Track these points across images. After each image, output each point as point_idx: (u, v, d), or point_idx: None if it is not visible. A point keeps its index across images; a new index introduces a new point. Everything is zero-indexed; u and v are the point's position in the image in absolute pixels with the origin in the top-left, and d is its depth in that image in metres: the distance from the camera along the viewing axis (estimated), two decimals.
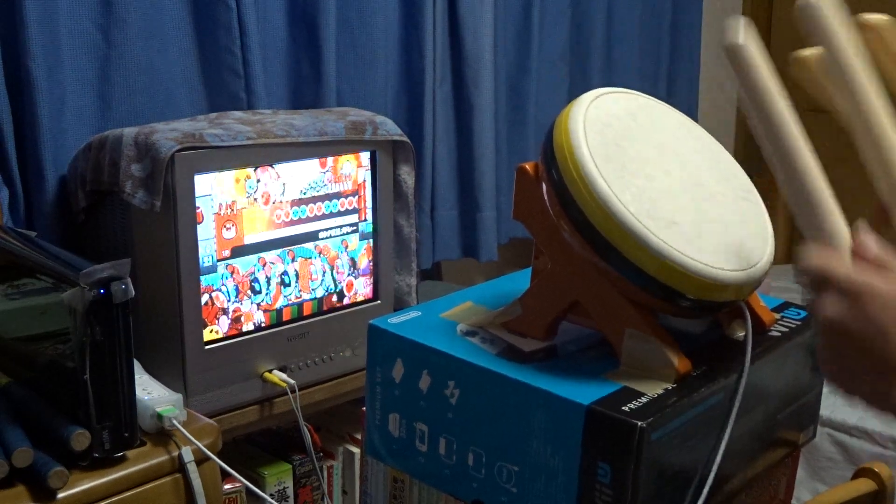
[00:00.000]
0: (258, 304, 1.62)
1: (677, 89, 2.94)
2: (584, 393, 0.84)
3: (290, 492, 1.74)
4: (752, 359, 0.89)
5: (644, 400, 0.83)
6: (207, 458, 1.31)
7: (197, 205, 1.50)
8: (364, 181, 1.74)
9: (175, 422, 1.30)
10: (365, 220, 1.75)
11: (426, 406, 0.93)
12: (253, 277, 1.60)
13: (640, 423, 0.79)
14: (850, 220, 0.74)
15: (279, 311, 1.65)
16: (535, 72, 2.42)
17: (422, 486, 0.97)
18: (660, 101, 1.00)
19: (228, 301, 1.58)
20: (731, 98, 3.50)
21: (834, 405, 2.24)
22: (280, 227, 1.62)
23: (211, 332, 1.56)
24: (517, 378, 0.87)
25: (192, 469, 1.28)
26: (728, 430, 0.87)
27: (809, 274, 0.71)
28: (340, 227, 1.72)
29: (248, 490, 1.52)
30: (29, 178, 1.61)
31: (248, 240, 1.58)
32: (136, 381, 1.25)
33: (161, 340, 1.53)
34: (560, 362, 0.91)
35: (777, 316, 1.01)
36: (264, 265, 1.61)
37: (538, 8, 2.39)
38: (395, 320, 0.98)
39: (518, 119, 2.44)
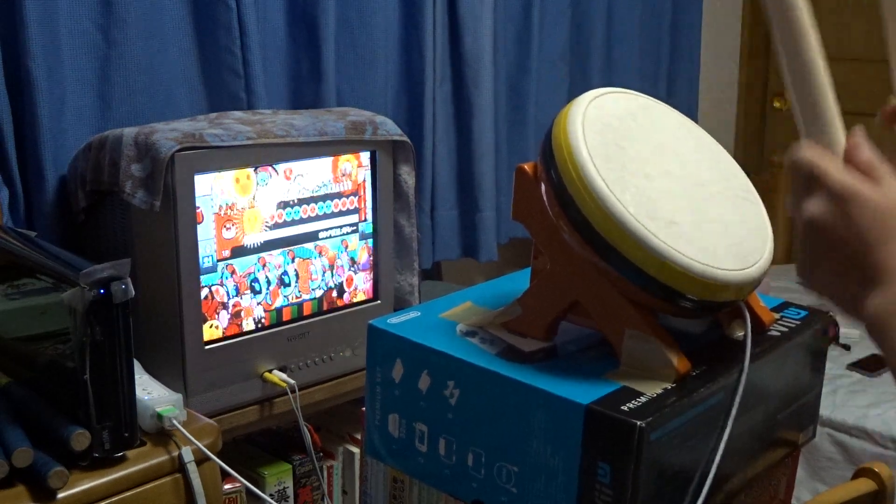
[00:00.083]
0: (258, 304, 1.62)
1: (677, 89, 2.95)
2: (584, 393, 0.84)
3: (290, 492, 1.74)
4: (752, 359, 0.89)
5: (644, 400, 0.83)
6: (207, 458, 1.31)
7: (197, 205, 1.50)
8: (364, 181, 1.74)
9: (175, 422, 1.30)
10: (365, 220, 1.75)
11: (426, 406, 0.93)
12: (253, 277, 1.60)
13: (639, 423, 0.79)
14: None
15: (279, 311, 1.66)
16: (535, 72, 2.42)
17: (422, 486, 0.97)
18: (659, 102, 1.00)
19: (228, 301, 1.58)
20: (731, 98, 3.50)
21: (834, 405, 2.24)
22: (280, 228, 1.62)
23: (211, 331, 1.56)
24: (517, 378, 0.87)
25: (192, 469, 1.28)
26: (728, 430, 0.87)
27: (800, 169, 0.70)
28: (340, 227, 1.72)
29: (248, 490, 1.52)
30: (29, 178, 1.62)
31: (248, 240, 1.58)
32: (136, 381, 1.25)
33: (161, 340, 1.53)
34: (560, 362, 0.91)
35: (777, 316, 1.01)
36: (264, 265, 1.61)
37: (538, 8, 2.39)
38: (394, 320, 0.98)
39: (518, 119, 2.44)
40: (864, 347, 2.51)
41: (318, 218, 1.67)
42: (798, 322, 1.01)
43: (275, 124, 1.60)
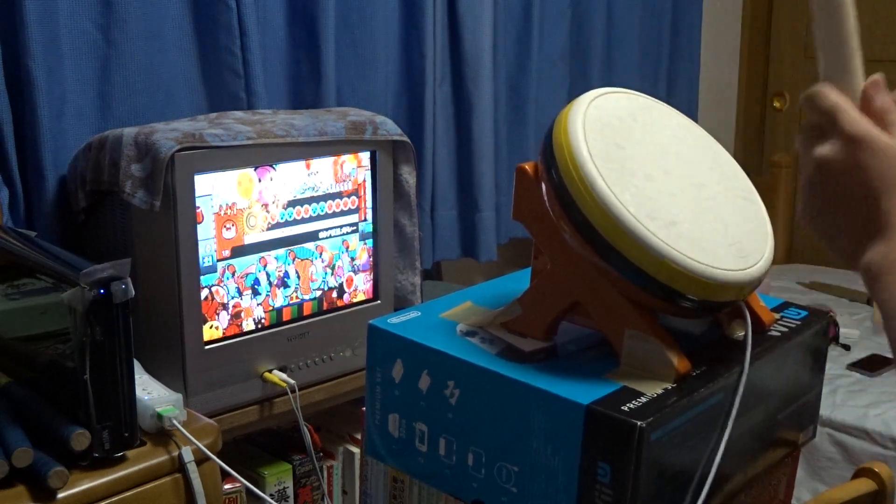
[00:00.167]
0: (258, 304, 1.62)
1: (677, 89, 2.95)
2: (584, 393, 0.84)
3: (290, 492, 1.74)
4: (752, 359, 0.89)
5: (644, 400, 0.83)
6: (207, 458, 1.31)
7: (197, 205, 1.50)
8: (364, 181, 1.74)
9: (175, 422, 1.30)
10: (365, 220, 1.75)
11: (426, 406, 0.93)
12: (253, 277, 1.60)
13: (639, 423, 0.79)
14: None
15: (279, 311, 1.66)
16: (535, 72, 2.42)
17: (422, 486, 0.97)
18: (660, 102, 1.00)
19: (228, 301, 1.58)
20: (731, 98, 3.50)
21: (834, 405, 2.24)
22: (280, 227, 1.62)
23: (211, 331, 1.56)
24: (517, 378, 0.87)
25: (192, 469, 1.28)
26: (728, 430, 0.87)
27: (816, 109, 0.68)
28: (340, 227, 1.72)
29: (248, 490, 1.52)
30: (29, 178, 1.62)
31: (248, 240, 1.58)
32: (136, 381, 1.25)
33: (161, 340, 1.53)
34: (560, 362, 0.91)
35: (777, 316, 1.01)
36: (265, 265, 1.61)
37: (538, 8, 2.39)
38: (394, 320, 0.98)
39: (518, 119, 2.44)
40: (864, 347, 2.51)
41: (318, 218, 1.67)
42: (798, 322, 1.01)
43: (275, 124, 1.60)
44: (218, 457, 1.32)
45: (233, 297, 1.58)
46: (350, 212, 1.72)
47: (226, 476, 1.39)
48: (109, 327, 1.19)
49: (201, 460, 1.30)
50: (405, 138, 1.77)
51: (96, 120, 1.69)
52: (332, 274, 1.72)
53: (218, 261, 1.55)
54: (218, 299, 1.56)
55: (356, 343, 1.74)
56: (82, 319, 1.17)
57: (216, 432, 1.35)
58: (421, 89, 2.16)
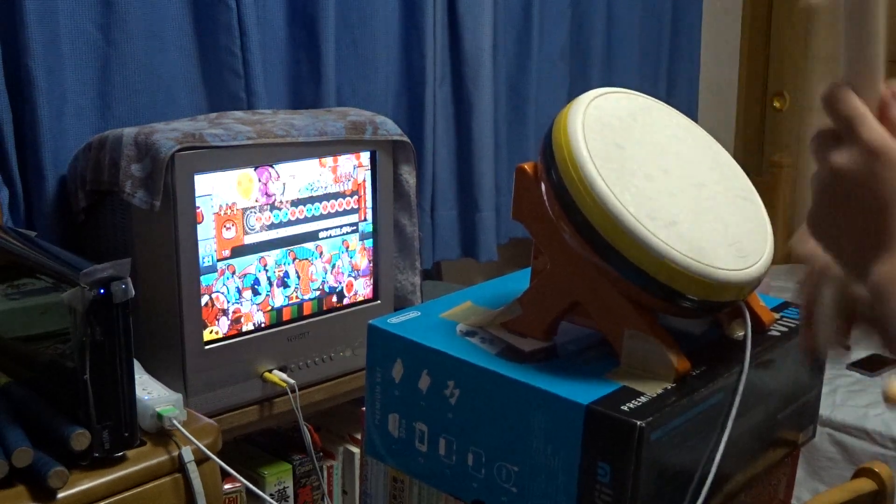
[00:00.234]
0: (258, 304, 1.62)
1: (677, 89, 2.94)
2: (584, 393, 0.84)
3: (290, 492, 1.74)
4: (752, 358, 0.89)
5: (643, 399, 0.83)
6: (207, 458, 1.31)
7: (197, 205, 1.50)
8: (364, 181, 1.74)
9: (175, 422, 1.30)
10: (365, 220, 1.75)
11: (426, 406, 0.93)
12: (253, 277, 1.60)
13: (639, 423, 0.79)
14: None
15: (279, 311, 1.66)
16: (535, 72, 2.42)
17: (422, 485, 0.97)
18: (659, 102, 1.00)
19: (228, 301, 1.58)
20: (731, 98, 3.50)
21: (834, 405, 2.24)
22: (280, 227, 1.62)
23: (211, 332, 1.56)
24: (517, 378, 0.87)
25: (192, 469, 1.28)
26: (728, 430, 0.87)
27: (836, 112, 0.67)
28: (340, 227, 1.72)
29: (248, 490, 1.52)
30: (29, 178, 1.61)
31: (248, 240, 1.58)
32: (136, 381, 1.25)
33: (161, 340, 1.53)
34: (560, 362, 0.91)
35: (776, 316, 1.01)
36: (265, 265, 1.61)
37: (538, 8, 2.39)
38: (394, 320, 0.98)
39: (518, 119, 2.44)
40: (864, 348, 2.50)
41: (317, 218, 1.67)
42: (798, 322, 1.01)
43: (275, 124, 1.60)
44: (218, 457, 1.32)
45: (233, 298, 1.58)
46: (350, 212, 1.72)
47: (226, 476, 1.39)
48: (109, 327, 1.19)
49: (201, 460, 1.30)
50: (405, 138, 1.77)
51: (96, 120, 1.69)
52: (332, 274, 1.72)
53: (218, 261, 1.55)
54: (218, 305, 1.56)
55: (356, 343, 1.74)
56: (82, 319, 1.17)
57: (216, 432, 1.35)
58: (421, 89, 2.16)
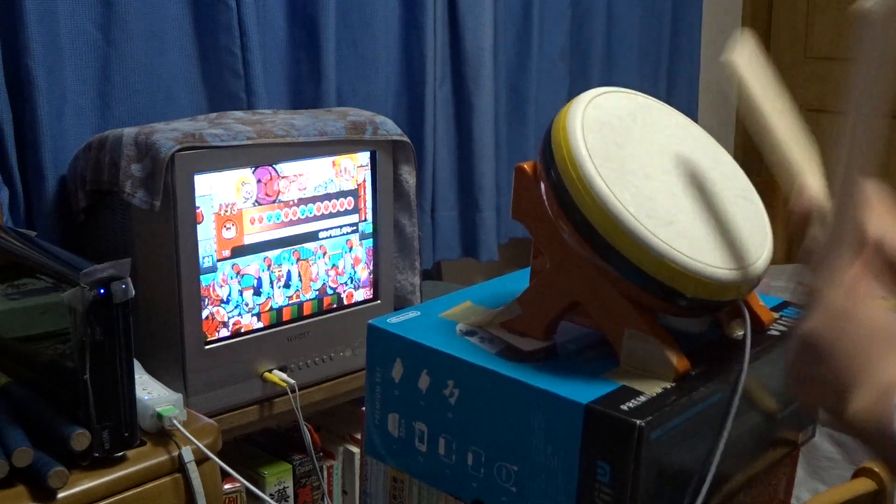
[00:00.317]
0: (258, 304, 1.62)
1: (677, 89, 2.94)
2: (584, 392, 0.84)
3: (290, 492, 1.74)
4: (751, 358, 0.89)
5: (643, 399, 0.83)
6: (207, 458, 1.31)
7: (197, 205, 1.50)
8: (364, 181, 1.74)
9: (175, 422, 1.30)
10: (365, 220, 1.75)
11: (425, 406, 0.93)
12: (253, 278, 1.60)
13: (639, 422, 0.79)
14: None
15: (279, 311, 1.66)
16: (535, 72, 2.42)
17: (422, 485, 0.97)
18: (659, 101, 1.00)
19: (228, 301, 1.58)
20: (730, 98, 3.50)
21: None
22: (280, 227, 1.62)
23: (211, 332, 1.56)
24: (516, 377, 0.87)
25: (192, 469, 1.28)
26: (727, 430, 0.87)
27: (812, 272, 0.73)
28: (340, 227, 1.72)
29: (248, 490, 1.52)
30: (29, 178, 1.62)
31: (248, 240, 1.58)
32: (136, 381, 1.25)
33: (161, 340, 1.53)
34: (559, 362, 0.91)
35: (776, 315, 1.01)
36: (269, 266, 1.61)
37: (538, 8, 2.39)
38: (394, 320, 0.98)
39: (518, 119, 2.44)
40: None
41: (318, 218, 1.67)
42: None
43: (275, 124, 1.60)
44: (218, 457, 1.32)
45: (233, 298, 1.58)
46: (350, 212, 1.72)
47: (226, 476, 1.39)
48: (109, 327, 1.19)
49: (201, 460, 1.30)
50: (405, 138, 1.77)
51: (96, 120, 1.69)
52: (333, 274, 1.72)
53: (218, 261, 1.55)
54: (218, 300, 1.56)
55: (356, 343, 1.74)
56: (82, 319, 1.17)
57: (216, 432, 1.35)
58: (421, 89, 2.16)
